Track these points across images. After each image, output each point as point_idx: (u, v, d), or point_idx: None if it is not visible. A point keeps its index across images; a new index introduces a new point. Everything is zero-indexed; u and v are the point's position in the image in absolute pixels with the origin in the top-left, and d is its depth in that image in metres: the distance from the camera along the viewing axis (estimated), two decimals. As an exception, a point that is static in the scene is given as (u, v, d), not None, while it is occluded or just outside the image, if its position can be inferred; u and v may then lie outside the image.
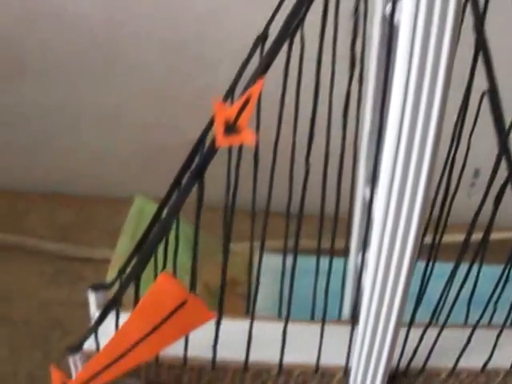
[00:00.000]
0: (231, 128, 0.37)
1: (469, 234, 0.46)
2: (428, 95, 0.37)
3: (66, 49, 0.80)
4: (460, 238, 0.47)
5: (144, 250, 0.44)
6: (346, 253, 0.55)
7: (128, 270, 0.47)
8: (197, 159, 0.44)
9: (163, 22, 0.77)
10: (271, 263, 0.51)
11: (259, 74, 0.37)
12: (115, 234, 0.68)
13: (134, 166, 0.85)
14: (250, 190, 0.45)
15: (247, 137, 0.37)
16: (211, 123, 0.40)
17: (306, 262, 0.47)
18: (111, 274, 0.57)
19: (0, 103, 0.83)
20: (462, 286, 0.48)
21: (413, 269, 0.43)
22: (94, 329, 0.47)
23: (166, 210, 0.45)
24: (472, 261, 0.47)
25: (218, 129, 0.37)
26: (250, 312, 0.52)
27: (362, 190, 0.49)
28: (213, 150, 0.38)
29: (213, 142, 0.38)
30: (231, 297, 0.55)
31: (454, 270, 0.48)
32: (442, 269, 0.48)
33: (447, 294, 0.49)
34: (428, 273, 0.48)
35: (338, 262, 0.51)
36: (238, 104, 0.37)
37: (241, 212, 0.46)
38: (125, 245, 0.62)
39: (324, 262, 0.49)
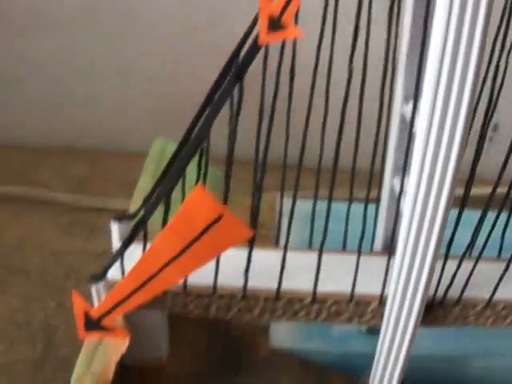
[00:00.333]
0: (275, 23, 0.36)
1: (499, 178, 0.45)
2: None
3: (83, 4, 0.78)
4: (480, 191, 0.48)
5: (178, 162, 0.42)
6: (377, 200, 0.53)
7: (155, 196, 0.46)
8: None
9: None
10: (302, 208, 0.49)
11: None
12: (130, 186, 0.66)
13: (149, 119, 0.83)
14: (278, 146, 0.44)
15: (292, 32, 0.35)
16: (254, 23, 0.38)
17: (337, 210, 0.46)
18: (133, 210, 0.55)
19: (12, 56, 0.81)
20: (495, 222, 0.47)
21: (454, 190, 0.42)
22: (120, 254, 0.46)
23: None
24: (503, 201, 0.46)
25: (262, 24, 0.36)
26: (279, 243, 0.51)
27: (400, 108, 0.47)
28: (256, 47, 0.37)
29: (256, 39, 0.36)
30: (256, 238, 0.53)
31: (486, 210, 0.46)
32: (472, 216, 0.47)
33: (480, 229, 0.48)
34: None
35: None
36: (282, -1, 0.35)
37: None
38: (146, 183, 0.60)
39: (356, 207, 0.48)
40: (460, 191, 0.45)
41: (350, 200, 0.48)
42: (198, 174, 0.42)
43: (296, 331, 0.56)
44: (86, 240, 0.72)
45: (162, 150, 0.64)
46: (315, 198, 0.48)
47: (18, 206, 0.76)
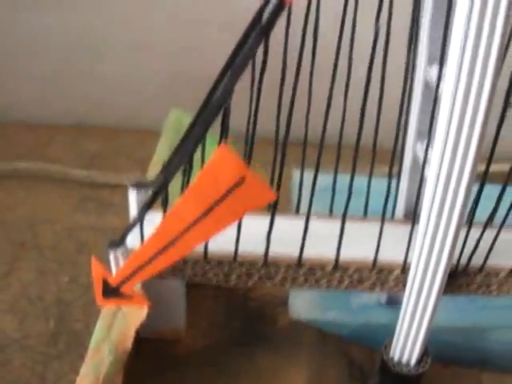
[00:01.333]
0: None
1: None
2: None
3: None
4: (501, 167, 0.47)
5: (202, 120, 0.41)
6: (399, 170, 0.52)
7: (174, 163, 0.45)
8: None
9: None
10: (320, 182, 0.48)
11: None
12: (143, 162, 0.65)
13: (161, 95, 0.82)
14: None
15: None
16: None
17: (357, 183, 0.46)
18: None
19: (24, 32, 0.81)
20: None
21: (480, 156, 0.41)
22: (139, 218, 0.45)
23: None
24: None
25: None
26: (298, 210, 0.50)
27: (423, 71, 0.46)
28: (281, 5, 0.36)
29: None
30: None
31: (507, 181, 0.46)
32: (494, 190, 0.46)
33: (501, 198, 0.47)
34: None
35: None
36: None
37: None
38: (163, 153, 0.59)
39: (375, 181, 0.48)
40: (482, 167, 0.45)
41: (372, 166, 0.48)
42: (221, 135, 0.41)
43: (315, 303, 0.55)
44: (99, 215, 0.71)
45: (177, 121, 0.63)
46: (336, 166, 0.48)
47: (30, 182, 0.75)
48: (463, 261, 0.47)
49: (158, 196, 0.44)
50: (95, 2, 0.79)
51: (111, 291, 0.46)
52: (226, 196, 0.40)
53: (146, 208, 0.44)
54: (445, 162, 0.41)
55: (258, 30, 0.37)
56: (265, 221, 0.46)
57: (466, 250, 0.46)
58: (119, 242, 0.46)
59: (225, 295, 0.56)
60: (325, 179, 0.49)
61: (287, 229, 0.47)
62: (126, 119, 0.83)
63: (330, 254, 0.46)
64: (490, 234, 0.47)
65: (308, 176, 0.48)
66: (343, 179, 0.47)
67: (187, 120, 0.59)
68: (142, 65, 0.82)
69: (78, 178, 0.75)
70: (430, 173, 0.42)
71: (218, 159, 0.39)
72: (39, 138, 0.82)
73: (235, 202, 0.40)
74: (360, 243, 0.47)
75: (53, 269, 0.66)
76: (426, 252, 0.44)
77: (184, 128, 0.48)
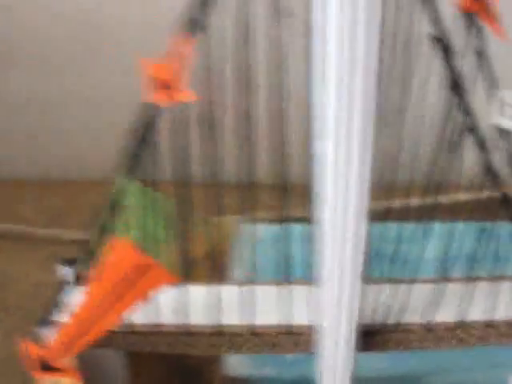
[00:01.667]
0: (166, 87, 0.37)
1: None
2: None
3: (54, 36, 0.81)
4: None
5: (99, 223, 0.44)
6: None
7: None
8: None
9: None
10: (250, 233, 0.51)
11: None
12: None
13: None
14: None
15: (183, 95, 0.37)
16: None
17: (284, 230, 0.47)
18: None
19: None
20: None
21: (364, 227, 0.43)
22: (63, 297, 0.48)
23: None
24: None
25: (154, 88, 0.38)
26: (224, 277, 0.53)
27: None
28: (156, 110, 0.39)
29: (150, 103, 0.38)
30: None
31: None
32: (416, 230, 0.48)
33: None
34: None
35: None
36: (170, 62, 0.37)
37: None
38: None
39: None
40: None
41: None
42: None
43: (250, 359, 0.57)
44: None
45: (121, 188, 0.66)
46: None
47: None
48: (378, 319, 0.49)
49: (80, 276, 0.47)
50: (56, 62, 0.82)
51: (46, 366, 0.49)
52: (130, 280, 0.43)
53: (69, 288, 0.47)
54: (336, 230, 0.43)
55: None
56: (194, 289, 0.48)
57: (380, 307, 0.48)
58: (47, 320, 0.49)
59: (164, 354, 0.58)
60: (272, 230, 0.51)
61: (211, 296, 0.50)
62: (89, 173, 0.86)
63: (248, 322, 0.48)
64: (406, 288, 0.49)
65: (250, 229, 0.50)
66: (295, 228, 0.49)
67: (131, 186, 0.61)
68: (102, 121, 0.84)
69: (43, 236, 0.78)
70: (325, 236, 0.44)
71: (120, 253, 0.42)
72: (7, 195, 0.85)
73: (140, 285, 0.43)
74: (276, 308, 0.49)
75: (20, 328, 0.69)
76: (332, 313, 0.46)
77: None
